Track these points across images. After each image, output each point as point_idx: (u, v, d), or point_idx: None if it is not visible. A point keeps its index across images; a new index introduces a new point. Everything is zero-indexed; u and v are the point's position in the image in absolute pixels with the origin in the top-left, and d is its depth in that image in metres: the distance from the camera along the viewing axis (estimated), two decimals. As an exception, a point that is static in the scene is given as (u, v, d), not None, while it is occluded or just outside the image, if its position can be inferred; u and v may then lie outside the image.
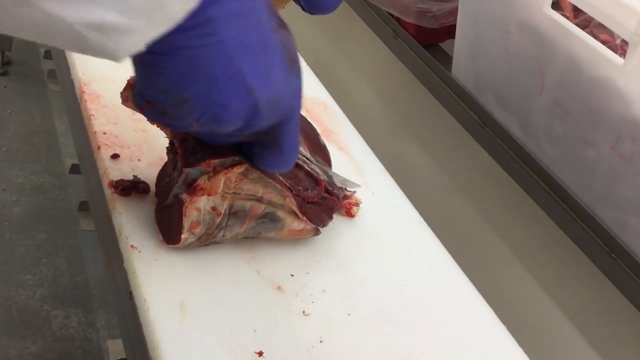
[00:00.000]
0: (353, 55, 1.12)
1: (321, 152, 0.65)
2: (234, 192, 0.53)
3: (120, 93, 0.48)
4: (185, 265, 0.54)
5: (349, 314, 0.56)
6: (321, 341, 0.53)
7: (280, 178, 0.55)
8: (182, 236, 0.53)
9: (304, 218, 0.57)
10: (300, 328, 0.53)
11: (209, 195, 0.51)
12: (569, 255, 0.75)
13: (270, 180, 0.53)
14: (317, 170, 0.60)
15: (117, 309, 0.62)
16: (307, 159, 0.61)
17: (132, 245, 0.53)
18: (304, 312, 0.54)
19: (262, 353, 0.50)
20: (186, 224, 0.52)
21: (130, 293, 0.52)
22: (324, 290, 0.57)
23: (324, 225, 0.61)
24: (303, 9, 0.58)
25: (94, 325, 1.33)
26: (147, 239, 0.54)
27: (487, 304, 0.62)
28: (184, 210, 0.52)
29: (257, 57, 0.42)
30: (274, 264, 0.57)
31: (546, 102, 0.72)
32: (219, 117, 0.43)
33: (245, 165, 0.52)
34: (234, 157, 0.52)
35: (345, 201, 0.65)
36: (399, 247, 0.64)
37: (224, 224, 0.54)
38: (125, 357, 0.63)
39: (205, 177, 0.52)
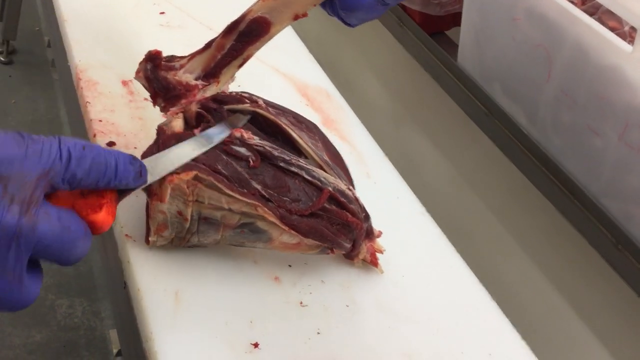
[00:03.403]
0: (358, 43, 1.11)
1: (342, 166, 0.60)
2: (197, 201, 0.50)
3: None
4: (180, 254, 0.53)
5: (347, 306, 0.55)
6: (318, 333, 0.52)
7: (256, 186, 0.51)
8: (150, 238, 0.52)
9: (292, 231, 0.52)
10: (297, 319, 0.52)
11: (161, 201, 0.49)
12: (574, 247, 0.74)
13: (222, 187, 0.49)
14: (323, 178, 0.54)
15: (111, 298, 0.62)
16: (321, 163, 0.55)
17: (126, 234, 0.52)
18: (301, 303, 0.53)
19: (258, 344, 0.49)
20: (152, 226, 0.51)
21: (125, 283, 0.51)
22: (322, 281, 0.56)
23: (336, 245, 0.54)
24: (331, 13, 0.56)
25: (99, 315, 1.33)
26: (141, 228, 0.53)
27: (490, 296, 0.61)
28: (149, 212, 0.51)
29: None
30: (272, 255, 0.56)
31: (553, 91, 0.71)
32: None
33: (194, 173, 0.49)
34: (185, 166, 0.49)
35: (368, 243, 0.58)
36: (400, 238, 0.63)
37: (195, 229, 0.52)
38: (124, 347, 0.63)
39: (157, 182, 0.49)
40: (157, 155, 0.49)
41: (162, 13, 0.83)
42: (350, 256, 0.57)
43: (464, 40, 0.83)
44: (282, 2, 0.54)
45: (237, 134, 0.52)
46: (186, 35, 0.78)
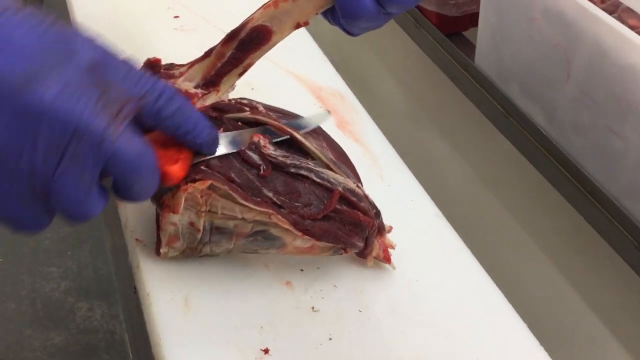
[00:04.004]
0: (373, 45, 1.10)
1: (348, 164, 0.59)
2: (210, 211, 0.50)
3: None
4: (190, 259, 0.53)
5: (360, 311, 0.54)
6: (330, 338, 0.51)
7: (268, 193, 0.50)
8: (162, 250, 0.51)
9: (305, 236, 0.51)
10: (308, 325, 0.51)
11: (174, 212, 0.49)
12: (595, 249, 0.72)
13: (237, 196, 0.49)
14: (332, 179, 0.53)
15: (123, 303, 0.61)
16: (328, 163, 0.54)
17: (136, 239, 0.52)
18: (313, 308, 0.53)
19: (268, 350, 0.48)
20: (163, 238, 0.51)
21: (135, 287, 0.51)
22: (334, 286, 0.55)
23: (349, 245, 0.53)
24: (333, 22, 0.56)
25: (117, 318, 1.34)
26: (152, 233, 0.53)
27: (507, 301, 0.60)
28: (160, 224, 0.50)
29: None
30: (283, 259, 0.56)
31: (572, 91, 0.70)
32: None
33: (209, 182, 0.48)
34: (200, 173, 0.48)
35: (380, 239, 0.57)
36: (414, 241, 0.62)
37: (207, 240, 0.51)
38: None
39: (170, 193, 0.49)
40: None
41: (177, 17, 0.83)
42: (363, 254, 0.56)
43: (481, 41, 0.82)
44: (283, 11, 0.54)
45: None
46: (201, 39, 0.77)
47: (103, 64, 0.38)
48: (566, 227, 0.78)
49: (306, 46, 0.84)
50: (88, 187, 0.38)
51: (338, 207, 0.52)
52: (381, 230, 0.57)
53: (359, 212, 0.53)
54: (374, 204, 0.56)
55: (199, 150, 0.46)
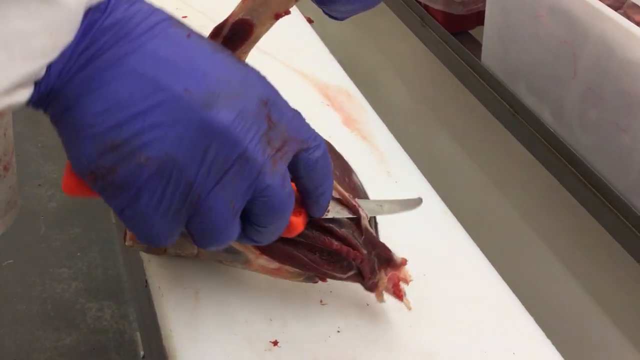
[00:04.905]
0: (380, 43, 1.10)
1: (349, 182, 0.56)
2: None
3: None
4: (200, 253, 0.53)
5: (367, 304, 0.54)
6: (338, 331, 0.51)
7: None
8: (126, 243, 0.50)
9: (263, 255, 0.49)
10: (317, 317, 0.52)
11: None
12: (603, 245, 0.72)
13: None
14: None
15: (133, 298, 0.62)
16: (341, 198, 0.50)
17: (147, 233, 0.53)
18: (321, 301, 0.53)
19: (277, 342, 0.49)
20: (129, 231, 0.50)
21: (146, 281, 0.52)
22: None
23: (323, 274, 0.49)
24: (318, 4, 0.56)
25: (127, 318, 1.34)
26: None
27: (514, 295, 0.60)
28: None
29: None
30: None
31: (579, 88, 0.70)
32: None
33: None
34: None
35: (391, 272, 0.51)
36: (422, 237, 0.62)
37: None
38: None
39: None
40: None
41: (185, 17, 0.84)
42: (369, 288, 0.52)
43: (488, 39, 0.82)
44: (260, 2, 0.53)
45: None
46: (208, 38, 0.78)
47: (273, 101, 0.40)
48: (574, 224, 0.78)
49: (314, 46, 0.85)
50: (234, 212, 0.39)
51: (307, 232, 0.47)
52: (390, 262, 0.51)
53: (332, 240, 0.48)
54: (374, 235, 0.51)
55: (313, 214, 0.45)
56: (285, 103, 0.41)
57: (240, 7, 0.54)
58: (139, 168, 0.36)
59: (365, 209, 0.50)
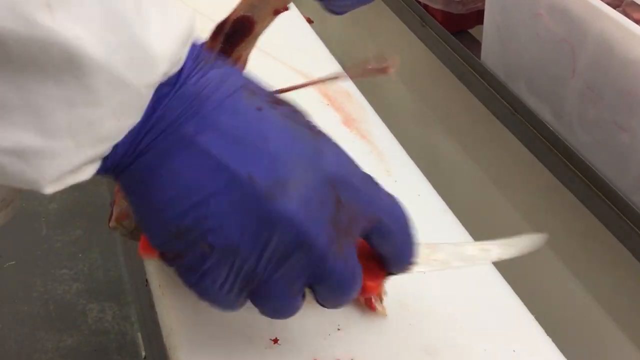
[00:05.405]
0: (380, 43, 1.11)
1: None
2: None
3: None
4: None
5: (368, 302, 0.54)
6: (339, 329, 0.52)
7: None
8: (110, 224, 0.50)
9: None
10: (317, 315, 0.52)
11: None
12: (604, 245, 0.72)
13: None
14: None
15: (135, 299, 0.62)
16: None
17: (147, 232, 0.53)
18: (321, 299, 0.53)
19: (278, 340, 0.49)
20: (115, 211, 0.50)
21: (146, 280, 0.52)
22: (343, 278, 0.56)
23: None
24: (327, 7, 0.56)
25: (129, 319, 1.35)
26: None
27: (514, 293, 0.60)
28: (115, 198, 0.50)
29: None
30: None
31: (578, 87, 0.70)
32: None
33: None
34: None
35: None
36: (421, 235, 0.62)
37: None
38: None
39: None
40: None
41: (186, 17, 0.84)
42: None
43: (487, 38, 0.82)
44: None
45: None
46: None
47: (344, 181, 0.38)
48: (574, 223, 0.78)
49: (313, 45, 0.85)
50: (294, 294, 0.39)
51: None
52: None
53: None
54: None
55: (393, 272, 0.45)
56: (357, 180, 0.39)
57: (240, 5, 0.55)
58: (202, 256, 0.36)
59: (458, 257, 0.50)
